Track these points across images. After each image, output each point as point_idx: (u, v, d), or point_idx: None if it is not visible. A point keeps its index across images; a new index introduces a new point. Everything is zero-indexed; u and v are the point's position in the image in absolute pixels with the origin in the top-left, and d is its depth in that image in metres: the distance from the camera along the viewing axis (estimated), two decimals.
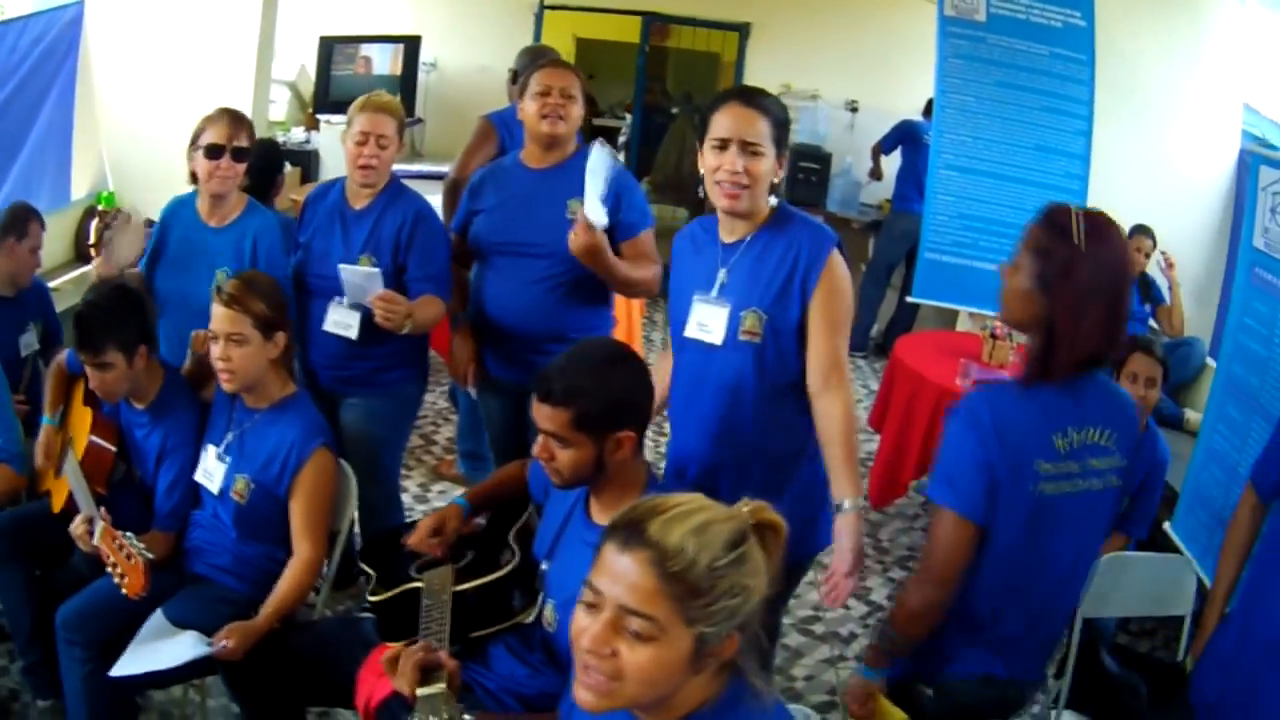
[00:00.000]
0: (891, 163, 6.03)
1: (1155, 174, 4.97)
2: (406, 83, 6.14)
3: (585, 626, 1.10)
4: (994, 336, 4.05)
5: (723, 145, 1.86)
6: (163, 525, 2.32)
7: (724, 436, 1.97)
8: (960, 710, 1.78)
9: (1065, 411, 1.65)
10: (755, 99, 1.89)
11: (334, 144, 4.48)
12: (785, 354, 1.93)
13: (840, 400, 1.89)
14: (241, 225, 2.66)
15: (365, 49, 6.16)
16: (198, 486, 2.32)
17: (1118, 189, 4.91)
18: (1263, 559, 1.92)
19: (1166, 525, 2.97)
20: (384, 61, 6.16)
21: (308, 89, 6.31)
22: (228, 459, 2.23)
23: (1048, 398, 1.64)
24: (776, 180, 1.92)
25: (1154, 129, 4.96)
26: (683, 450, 2.06)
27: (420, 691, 1.48)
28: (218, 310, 2.15)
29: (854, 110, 6.66)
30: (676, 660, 1.09)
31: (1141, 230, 4.71)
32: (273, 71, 5.05)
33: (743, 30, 6.88)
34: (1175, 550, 2.82)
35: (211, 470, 2.25)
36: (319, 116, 5.96)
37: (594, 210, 2.24)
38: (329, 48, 6.08)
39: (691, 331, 1.98)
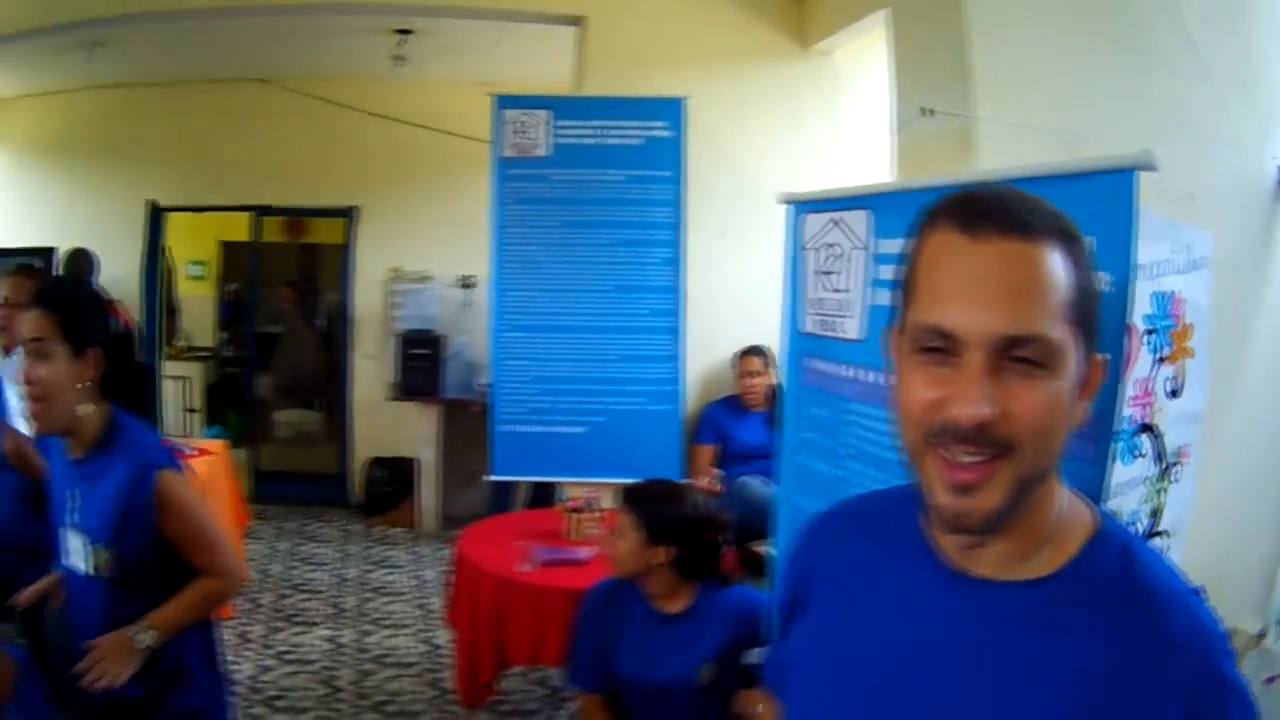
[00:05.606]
0: None
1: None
2: None
3: None
4: (573, 510, 3.27)
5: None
6: None
7: None
8: None
9: None
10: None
11: None
12: (141, 587, 1.77)
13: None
14: None
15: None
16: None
17: (730, 316, 4.36)
18: None
19: None
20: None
21: None
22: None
23: None
24: (84, 384, 1.75)
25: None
26: None
27: None
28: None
29: (468, 286, 6.00)
30: None
31: (753, 351, 4.17)
32: None
33: (350, 215, 6.37)
34: None
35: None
36: None
37: None
38: None
39: (67, 561, 1.82)
